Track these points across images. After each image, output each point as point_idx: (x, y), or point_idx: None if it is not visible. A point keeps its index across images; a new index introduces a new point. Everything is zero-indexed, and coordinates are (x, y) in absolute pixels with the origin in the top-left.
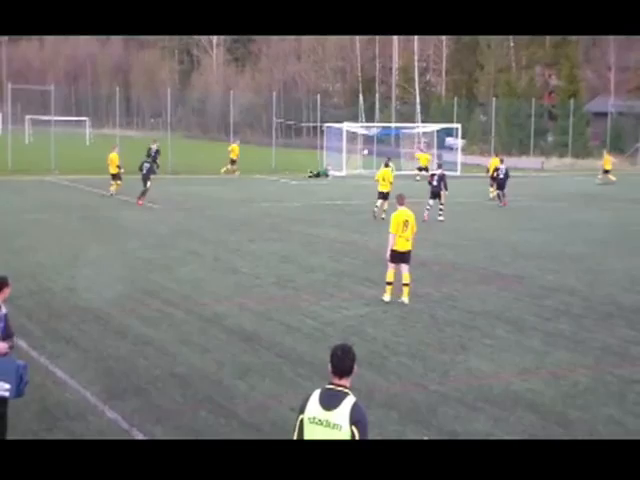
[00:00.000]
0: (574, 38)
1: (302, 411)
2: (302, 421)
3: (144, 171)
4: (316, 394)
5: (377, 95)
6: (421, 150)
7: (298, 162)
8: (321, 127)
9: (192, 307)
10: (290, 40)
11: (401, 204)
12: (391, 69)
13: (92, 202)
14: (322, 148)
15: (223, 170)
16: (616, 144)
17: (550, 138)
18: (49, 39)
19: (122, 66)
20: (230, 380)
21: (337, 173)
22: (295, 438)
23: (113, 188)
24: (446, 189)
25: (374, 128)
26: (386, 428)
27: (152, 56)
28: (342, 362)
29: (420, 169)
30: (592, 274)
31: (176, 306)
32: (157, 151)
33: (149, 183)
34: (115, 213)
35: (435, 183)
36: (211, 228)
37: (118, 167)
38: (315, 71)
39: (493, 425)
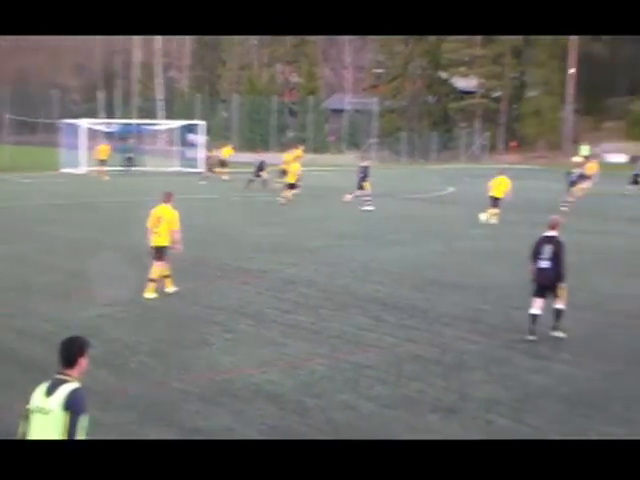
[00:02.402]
0: (312, 38)
1: (30, 402)
2: (27, 411)
3: None
4: (44, 384)
5: (117, 91)
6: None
7: (34, 160)
8: (58, 123)
9: None
10: None
11: (166, 202)
12: (132, 64)
13: None
14: (60, 145)
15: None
16: (352, 140)
17: (290, 134)
18: None
19: None
20: None
21: (75, 171)
22: (23, 429)
23: None
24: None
25: (114, 125)
26: (125, 428)
27: None
28: (67, 351)
29: (210, 169)
30: (330, 266)
31: None
32: None
33: None
34: None
35: (362, 175)
36: None
37: None
38: (51, 65)
39: (233, 419)
